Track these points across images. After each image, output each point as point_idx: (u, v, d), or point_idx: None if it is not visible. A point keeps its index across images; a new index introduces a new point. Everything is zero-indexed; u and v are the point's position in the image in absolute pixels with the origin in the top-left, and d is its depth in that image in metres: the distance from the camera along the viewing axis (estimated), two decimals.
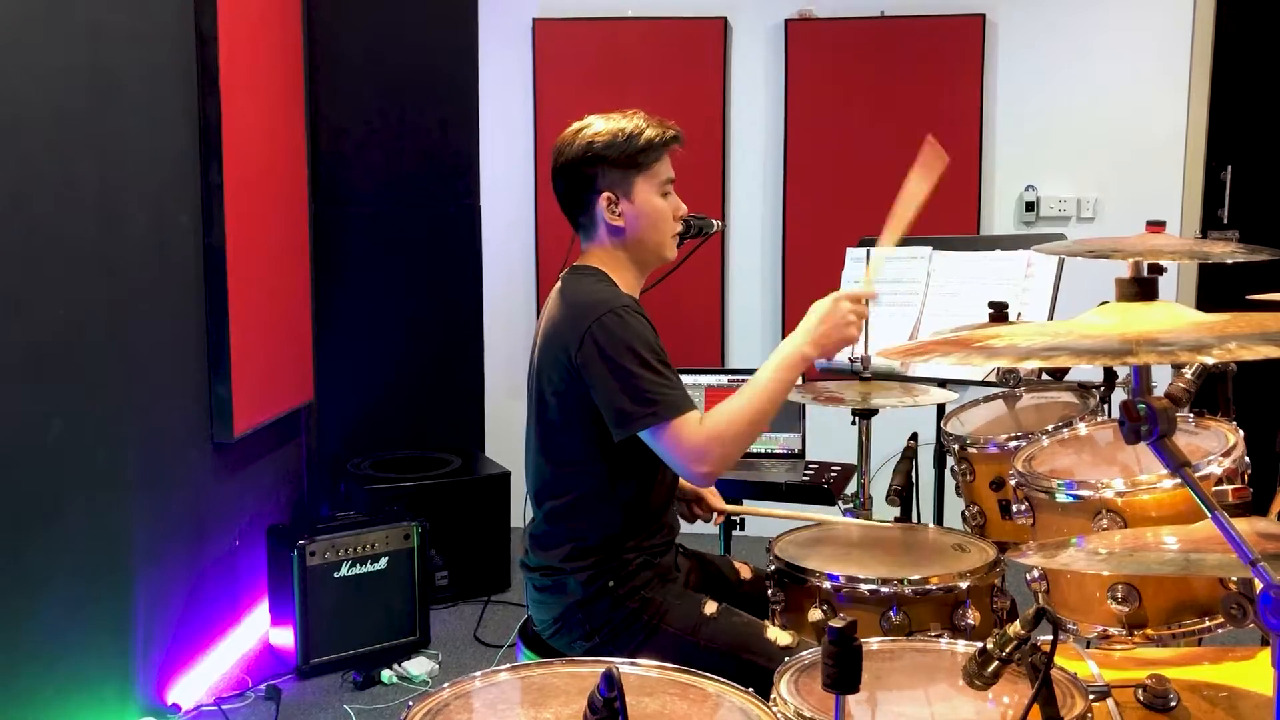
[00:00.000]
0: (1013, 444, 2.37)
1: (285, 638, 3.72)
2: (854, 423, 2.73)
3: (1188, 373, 2.13)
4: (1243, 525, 1.22)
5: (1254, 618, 1.51)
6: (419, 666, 3.73)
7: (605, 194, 2.23)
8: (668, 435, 2.09)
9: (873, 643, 1.78)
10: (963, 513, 2.53)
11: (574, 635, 2.22)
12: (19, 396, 2.59)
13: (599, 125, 2.25)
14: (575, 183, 2.26)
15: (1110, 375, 2.64)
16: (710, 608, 2.19)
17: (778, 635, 2.11)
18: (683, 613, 2.19)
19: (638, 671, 1.66)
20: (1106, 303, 1.33)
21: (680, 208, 2.32)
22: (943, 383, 2.94)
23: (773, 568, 2.24)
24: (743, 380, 3.40)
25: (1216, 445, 1.95)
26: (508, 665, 1.69)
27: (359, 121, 4.59)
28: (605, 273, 2.27)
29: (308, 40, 4.29)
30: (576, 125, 2.28)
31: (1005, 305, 2.73)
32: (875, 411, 2.70)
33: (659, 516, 2.29)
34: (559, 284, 2.29)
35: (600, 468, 2.18)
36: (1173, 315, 1.22)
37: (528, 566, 2.31)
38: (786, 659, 1.71)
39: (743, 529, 3.07)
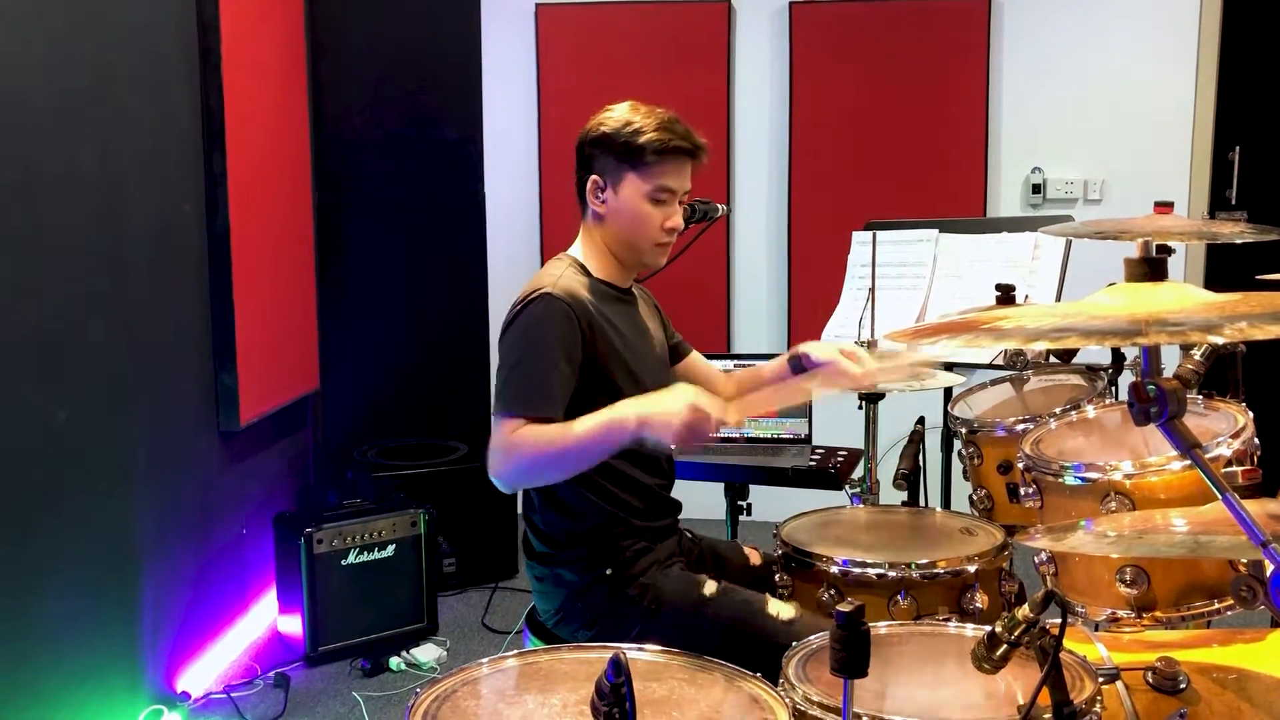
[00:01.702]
0: (1020, 427, 2.37)
1: (293, 625, 3.73)
2: (861, 407, 2.73)
3: (1196, 354, 2.12)
4: (1253, 507, 1.21)
5: (1264, 599, 1.51)
6: (427, 653, 3.74)
7: (595, 178, 2.23)
8: (493, 427, 2.10)
9: (881, 627, 1.77)
10: (970, 496, 2.52)
11: (575, 624, 2.22)
12: (25, 386, 2.60)
13: (619, 112, 2.23)
14: (579, 160, 2.27)
15: (1118, 357, 2.63)
16: (710, 588, 2.18)
17: (780, 609, 2.10)
18: (682, 595, 2.18)
19: (645, 657, 1.66)
20: (1115, 283, 1.32)
21: (673, 220, 2.24)
22: (949, 366, 2.93)
23: (780, 552, 2.23)
24: (749, 365, 3.41)
25: (1226, 427, 1.94)
26: (515, 651, 1.69)
27: (362, 109, 4.58)
28: (583, 260, 2.27)
29: (310, 27, 4.28)
30: (610, 106, 2.27)
31: (1012, 288, 2.72)
32: (882, 396, 2.69)
33: (652, 499, 2.28)
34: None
35: None
36: (1182, 295, 1.21)
37: (528, 556, 2.31)
38: (794, 644, 1.71)
39: (749, 514, 3.07)
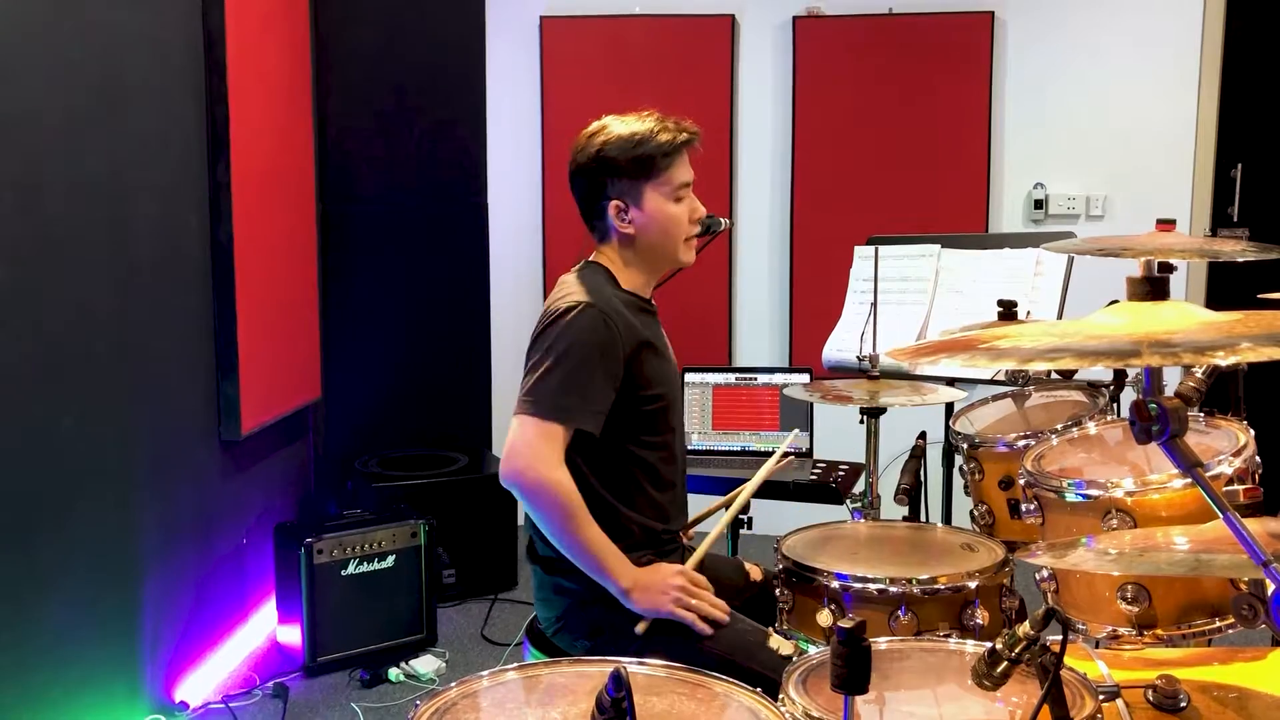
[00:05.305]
0: (1022, 443, 2.37)
1: (293, 636, 3.73)
2: (862, 421, 2.73)
3: (1198, 372, 2.13)
4: (1254, 525, 1.22)
5: (1265, 618, 1.50)
6: (426, 665, 3.73)
7: (615, 202, 2.22)
8: (521, 426, 2.07)
9: (881, 643, 1.77)
10: (971, 512, 2.52)
11: (575, 634, 2.22)
12: (29, 395, 2.60)
13: (612, 130, 2.23)
14: (587, 188, 2.25)
15: (1120, 374, 2.63)
16: None
17: (780, 644, 2.10)
18: None
19: (645, 671, 1.66)
20: (1116, 301, 1.32)
21: (698, 210, 2.28)
22: (951, 381, 2.93)
23: (780, 567, 2.23)
24: (750, 378, 3.41)
25: (1227, 445, 1.94)
26: (515, 664, 1.69)
27: (366, 120, 4.59)
28: (611, 272, 2.27)
29: (315, 38, 4.29)
30: (594, 127, 2.26)
31: (1014, 304, 2.73)
32: (883, 410, 2.69)
33: (660, 521, 2.27)
34: (566, 275, 2.29)
35: (581, 462, 2.16)
36: (1182, 315, 1.21)
37: (531, 561, 2.30)
38: (795, 659, 1.71)
39: (750, 528, 3.07)
